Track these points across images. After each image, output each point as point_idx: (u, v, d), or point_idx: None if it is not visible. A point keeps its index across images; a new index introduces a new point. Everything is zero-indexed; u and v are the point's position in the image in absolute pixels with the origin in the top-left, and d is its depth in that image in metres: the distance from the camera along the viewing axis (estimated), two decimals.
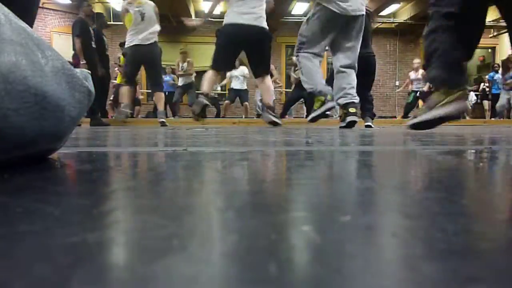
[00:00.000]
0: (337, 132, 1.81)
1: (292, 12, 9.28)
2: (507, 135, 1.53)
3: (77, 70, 0.58)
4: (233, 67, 3.54)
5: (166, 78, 7.39)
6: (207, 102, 3.35)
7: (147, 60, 3.91)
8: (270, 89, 3.39)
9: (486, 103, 8.52)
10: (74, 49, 4.27)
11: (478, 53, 10.63)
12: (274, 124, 3.24)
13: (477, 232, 0.22)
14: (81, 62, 4.08)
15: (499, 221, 0.25)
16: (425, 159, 0.67)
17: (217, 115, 7.66)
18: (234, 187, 0.37)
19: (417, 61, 7.55)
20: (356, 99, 2.75)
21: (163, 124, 3.76)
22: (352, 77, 2.78)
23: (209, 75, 3.35)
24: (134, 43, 3.85)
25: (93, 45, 4.34)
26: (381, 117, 7.67)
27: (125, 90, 4.07)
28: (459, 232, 0.21)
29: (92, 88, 0.60)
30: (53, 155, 0.62)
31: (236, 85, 7.60)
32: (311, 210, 0.27)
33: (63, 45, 7.35)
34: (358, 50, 2.79)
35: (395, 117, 8.36)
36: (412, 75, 7.41)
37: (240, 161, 0.61)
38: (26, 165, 0.50)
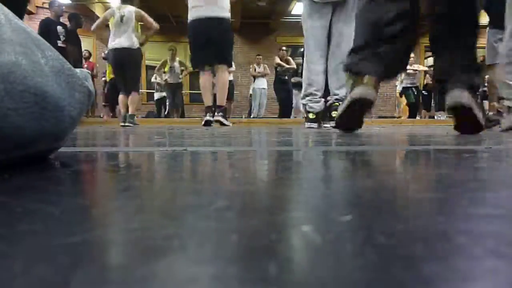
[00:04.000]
0: (338, 132, 1.81)
1: (292, 12, 9.27)
2: (506, 135, 1.53)
3: (77, 70, 0.58)
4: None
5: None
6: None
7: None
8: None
9: (486, 103, 8.51)
10: None
11: (479, 53, 10.60)
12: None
13: (477, 231, 0.22)
14: None
15: (499, 221, 0.25)
16: (423, 158, 0.67)
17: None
18: (234, 187, 0.37)
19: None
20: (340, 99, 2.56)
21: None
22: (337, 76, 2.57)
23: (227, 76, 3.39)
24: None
25: (60, 44, 4.39)
26: (380, 117, 7.66)
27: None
28: (459, 232, 0.21)
29: (92, 88, 0.60)
30: (53, 155, 0.62)
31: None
32: (311, 210, 0.27)
33: None
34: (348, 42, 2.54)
35: (394, 116, 8.36)
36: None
37: (240, 161, 0.61)
38: (26, 165, 0.50)
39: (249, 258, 0.17)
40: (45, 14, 8.45)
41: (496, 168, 0.54)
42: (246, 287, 0.14)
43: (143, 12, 3.85)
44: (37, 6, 8.14)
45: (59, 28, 4.73)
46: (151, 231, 0.21)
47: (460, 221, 0.24)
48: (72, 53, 4.74)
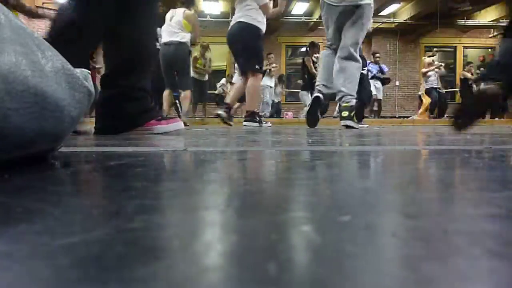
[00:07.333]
0: (336, 132, 1.81)
1: (292, 12, 9.27)
2: (504, 135, 1.53)
3: (77, 70, 0.58)
4: None
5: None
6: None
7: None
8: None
9: None
10: None
11: (478, 52, 10.62)
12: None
13: (477, 232, 0.22)
14: None
15: (498, 221, 0.25)
16: (423, 158, 0.67)
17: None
18: (234, 187, 0.37)
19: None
20: (350, 98, 2.58)
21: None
22: (348, 72, 2.60)
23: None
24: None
25: (158, 46, 4.26)
26: (381, 117, 7.66)
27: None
28: (459, 232, 0.21)
29: (92, 88, 0.60)
30: (53, 155, 0.62)
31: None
32: (311, 210, 0.27)
33: None
34: (355, 42, 2.63)
35: (395, 116, 8.36)
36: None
37: (240, 161, 0.61)
38: (26, 165, 0.50)
39: (249, 258, 0.17)
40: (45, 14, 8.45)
41: (496, 168, 0.54)
42: (246, 287, 0.14)
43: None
44: (37, 6, 8.13)
45: (158, 29, 4.47)
46: (151, 231, 0.21)
47: (460, 221, 0.24)
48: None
